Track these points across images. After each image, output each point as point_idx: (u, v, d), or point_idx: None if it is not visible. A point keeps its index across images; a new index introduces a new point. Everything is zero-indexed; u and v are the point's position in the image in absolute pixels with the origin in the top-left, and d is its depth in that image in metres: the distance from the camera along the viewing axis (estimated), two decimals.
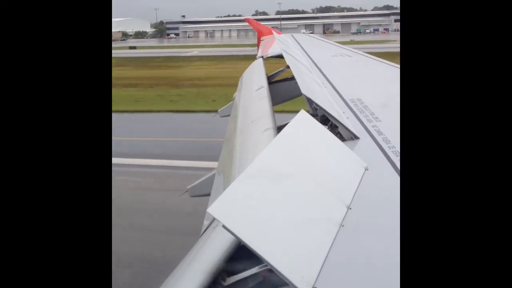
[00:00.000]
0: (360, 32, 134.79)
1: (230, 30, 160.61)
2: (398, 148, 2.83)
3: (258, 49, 10.21)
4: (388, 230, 1.96)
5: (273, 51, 8.11)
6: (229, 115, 5.93)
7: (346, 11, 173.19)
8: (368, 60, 7.65)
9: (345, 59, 7.96)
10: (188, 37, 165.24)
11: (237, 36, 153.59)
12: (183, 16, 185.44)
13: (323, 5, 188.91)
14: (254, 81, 6.09)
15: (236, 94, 6.47)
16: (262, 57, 7.87)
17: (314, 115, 3.47)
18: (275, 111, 4.07)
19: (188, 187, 4.31)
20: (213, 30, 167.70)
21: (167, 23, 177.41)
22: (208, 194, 3.33)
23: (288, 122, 2.52)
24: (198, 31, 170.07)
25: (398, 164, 2.59)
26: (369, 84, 5.42)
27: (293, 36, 11.50)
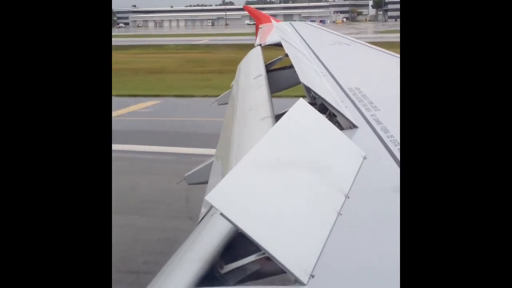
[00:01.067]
0: None
1: (177, 20, 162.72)
2: (396, 138, 2.83)
3: (256, 37, 10.17)
4: (386, 219, 1.96)
5: (271, 39, 8.09)
6: (227, 103, 5.92)
7: (291, 2, 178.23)
8: (367, 49, 7.63)
9: (343, 48, 7.94)
10: (138, 26, 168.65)
11: (185, 26, 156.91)
12: (134, 5, 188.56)
13: None
14: (252, 69, 6.07)
15: (234, 82, 6.45)
16: (260, 45, 7.84)
17: (312, 103, 3.46)
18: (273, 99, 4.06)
19: (186, 174, 4.31)
20: (162, 20, 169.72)
21: (117, 12, 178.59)
22: (206, 182, 3.33)
23: (287, 111, 2.51)
24: (147, 20, 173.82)
25: (396, 153, 2.59)
26: (368, 73, 5.41)
27: (291, 24, 11.46)
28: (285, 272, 1.54)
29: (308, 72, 4.32)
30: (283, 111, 2.98)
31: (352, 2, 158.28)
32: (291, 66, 4.94)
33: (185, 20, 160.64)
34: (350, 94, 4.02)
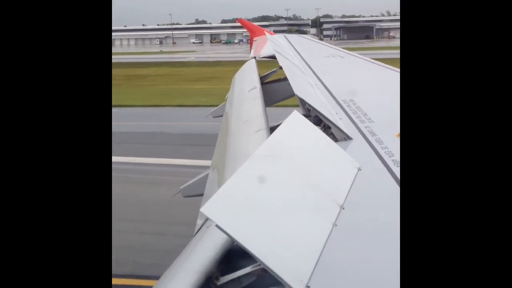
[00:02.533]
0: (230, 42, 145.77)
1: (128, 39, 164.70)
2: (391, 149, 2.85)
3: (250, 49, 10.21)
4: (381, 229, 1.97)
5: (265, 51, 8.12)
6: (221, 116, 5.93)
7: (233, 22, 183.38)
8: (360, 61, 7.68)
9: (337, 60, 7.99)
10: None
11: (135, 44, 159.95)
12: None
13: (228, 18, 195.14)
14: (246, 82, 6.09)
15: (228, 95, 6.47)
16: (255, 57, 7.88)
17: (307, 115, 3.48)
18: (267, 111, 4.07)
19: (181, 187, 4.30)
20: (113, 39, 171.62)
21: None
22: (201, 194, 3.33)
23: (281, 123, 2.52)
24: None
25: (391, 165, 2.60)
26: (361, 85, 5.44)
27: (285, 37, 11.51)
28: (281, 284, 1.54)
29: (302, 84, 4.35)
30: (277, 123, 2.99)
31: (292, 22, 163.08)
32: (285, 79, 4.96)
33: (136, 39, 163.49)
34: (344, 106, 4.04)
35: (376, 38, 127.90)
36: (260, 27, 15.39)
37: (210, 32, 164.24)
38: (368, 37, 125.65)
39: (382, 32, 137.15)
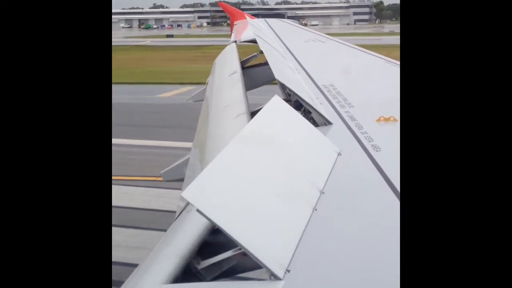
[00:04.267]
0: (149, 28, 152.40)
1: None
2: (370, 134, 2.87)
3: (231, 34, 10.15)
4: (360, 213, 1.99)
5: (246, 35, 8.08)
6: (202, 100, 5.91)
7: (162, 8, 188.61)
8: (341, 46, 7.70)
9: (318, 45, 7.99)
10: None
11: None
12: None
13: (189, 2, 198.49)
14: (227, 66, 6.07)
15: (209, 79, 6.44)
16: (235, 41, 7.84)
17: (287, 100, 3.49)
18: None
19: (162, 172, 4.30)
20: None
21: None
22: (182, 179, 3.33)
23: (262, 107, 2.52)
24: None
25: (370, 149, 2.62)
26: (342, 70, 5.46)
27: (266, 21, 11.47)
28: (261, 267, 1.55)
29: (283, 69, 4.35)
30: (258, 108, 2.99)
31: (216, 8, 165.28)
32: (266, 63, 4.96)
33: None
34: (325, 90, 4.06)
35: None
36: (240, 11, 15.27)
37: (139, 17, 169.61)
38: None
39: (298, 19, 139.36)
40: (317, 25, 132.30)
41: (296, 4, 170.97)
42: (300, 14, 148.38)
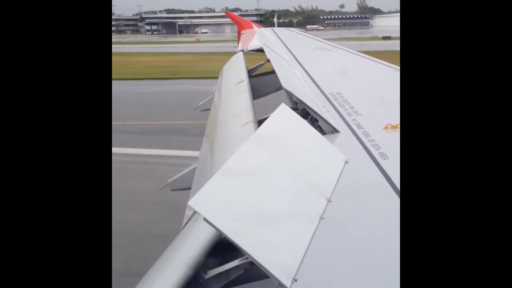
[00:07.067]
0: None
1: None
2: (377, 142, 2.86)
3: (238, 43, 10.19)
4: (368, 222, 1.98)
5: (253, 44, 8.11)
6: (209, 109, 5.92)
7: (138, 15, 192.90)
8: (347, 54, 7.70)
9: (324, 53, 8.00)
10: None
11: None
12: None
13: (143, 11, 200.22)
14: (234, 75, 6.08)
15: (216, 88, 6.46)
16: (243, 50, 7.86)
17: (294, 109, 3.48)
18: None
19: (169, 180, 4.29)
20: None
21: None
22: (189, 188, 3.33)
23: (269, 116, 2.52)
24: None
25: (377, 157, 2.61)
26: (348, 78, 5.46)
27: (273, 30, 11.51)
28: (268, 277, 1.54)
29: (290, 77, 4.35)
30: (265, 116, 2.99)
31: (120, 17, 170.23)
32: (273, 72, 4.96)
33: None
34: (332, 99, 4.06)
35: (184, 33, 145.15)
36: (247, 20, 15.34)
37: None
38: (180, 32, 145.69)
39: (193, 27, 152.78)
40: (206, 32, 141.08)
41: (187, 13, 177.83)
42: (196, 23, 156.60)
